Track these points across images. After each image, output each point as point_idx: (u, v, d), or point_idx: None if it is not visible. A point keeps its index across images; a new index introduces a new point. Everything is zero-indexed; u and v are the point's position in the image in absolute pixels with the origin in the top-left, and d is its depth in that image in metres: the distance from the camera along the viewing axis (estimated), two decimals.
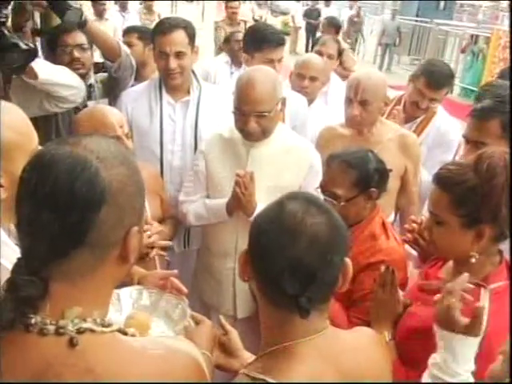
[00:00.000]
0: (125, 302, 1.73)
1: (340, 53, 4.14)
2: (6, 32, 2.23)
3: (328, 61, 3.90)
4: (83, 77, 2.95)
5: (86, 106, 2.91)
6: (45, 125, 2.79)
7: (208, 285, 2.62)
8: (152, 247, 2.30)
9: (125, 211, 0.96)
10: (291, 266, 1.13)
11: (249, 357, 1.58)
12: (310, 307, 1.14)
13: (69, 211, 0.89)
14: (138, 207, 1.01)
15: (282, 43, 3.22)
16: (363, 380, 1.23)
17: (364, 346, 1.30)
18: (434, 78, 3.11)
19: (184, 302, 1.74)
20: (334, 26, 5.93)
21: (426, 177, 2.92)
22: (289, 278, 1.13)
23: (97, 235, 0.92)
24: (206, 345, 1.52)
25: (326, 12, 15.28)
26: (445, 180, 1.61)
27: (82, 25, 2.67)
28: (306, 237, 1.13)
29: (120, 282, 1.14)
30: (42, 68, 2.46)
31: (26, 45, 2.28)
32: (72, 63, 2.86)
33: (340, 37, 5.98)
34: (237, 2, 6.47)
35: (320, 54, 3.90)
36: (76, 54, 2.89)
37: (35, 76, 2.42)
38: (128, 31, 3.98)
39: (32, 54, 2.31)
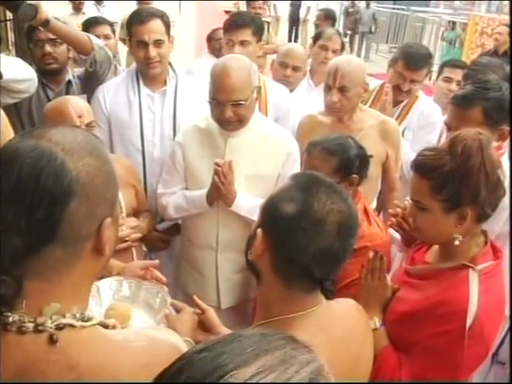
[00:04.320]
0: (105, 294, 1.74)
1: (343, 46, 4.08)
2: None
3: (333, 55, 3.79)
4: (58, 73, 2.92)
5: None
6: (18, 113, 2.77)
7: (191, 276, 2.61)
8: (125, 241, 2.32)
9: (96, 203, 0.93)
10: (322, 253, 1.21)
11: (228, 332, 1.59)
12: (333, 288, 1.26)
13: (36, 206, 0.86)
14: (110, 197, 0.97)
15: (242, 25, 3.16)
16: (351, 343, 1.35)
17: (350, 314, 1.43)
18: (413, 59, 3.15)
19: (164, 291, 1.75)
20: (330, 18, 5.80)
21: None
22: (319, 264, 1.22)
23: (68, 229, 0.89)
24: (188, 332, 1.54)
25: (307, 3, 15.31)
26: (422, 167, 1.61)
27: (44, 23, 2.61)
28: (335, 225, 1.21)
29: (99, 276, 1.12)
30: (3, 65, 2.40)
31: None
32: (44, 58, 2.86)
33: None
34: (261, 2, 6.22)
35: (325, 48, 3.81)
36: (48, 48, 2.89)
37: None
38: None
39: None
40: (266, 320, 1.28)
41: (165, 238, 2.86)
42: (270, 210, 1.28)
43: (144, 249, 2.63)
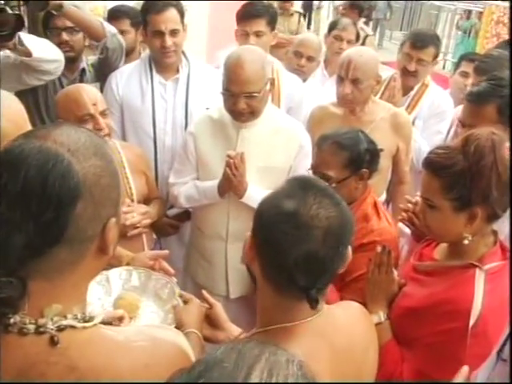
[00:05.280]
0: (114, 283, 1.76)
1: (358, 37, 4.07)
2: None
3: (347, 46, 3.81)
4: (73, 60, 2.93)
5: None
6: (35, 101, 2.79)
7: (200, 266, 2.63)
8: (136, 227, 2.34)
9: (101, 204, 0.92)
10: (306, 259, 1.14)
11: (235, 329, 1.61)
12: (319, 298, 1.16)
13: (43, 210, 0.85)
14: (115, 197, 0.96)
15: (257, 15, 3.15)
16: (355, 352, 1.29)
17: (354, 321, 1.37)
18: (418, 38, 3.22)
19: (173, 281, 1.76)
20: (357, 8, 5.69)
21: (425, 147, 2.99)
22: (302, 271, 1.15)
23: (74, 231, 0.88)
24: (195, 323, 1.54)
25: None
26: (434, 165, 1.60)
27: (58, 8, 2.62)
28: (321, 230, 1.15)
29: (107, 266, 1.11)
30: (33, 44, 2.42)
31: (13, 11, 2.23)
32: (60, 46, 2.85)
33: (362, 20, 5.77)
34: None
35: (340, 38, 3.84)
36: (64, 36, 2.90)
37: (29, 54, 2.40)
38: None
39: (20, 21, 2.26)
40: (264, 328, 1.25)
41: (175, 224, 2.88)
42: (257, 213, 1.25)
43: (154, 236, 2.65)
